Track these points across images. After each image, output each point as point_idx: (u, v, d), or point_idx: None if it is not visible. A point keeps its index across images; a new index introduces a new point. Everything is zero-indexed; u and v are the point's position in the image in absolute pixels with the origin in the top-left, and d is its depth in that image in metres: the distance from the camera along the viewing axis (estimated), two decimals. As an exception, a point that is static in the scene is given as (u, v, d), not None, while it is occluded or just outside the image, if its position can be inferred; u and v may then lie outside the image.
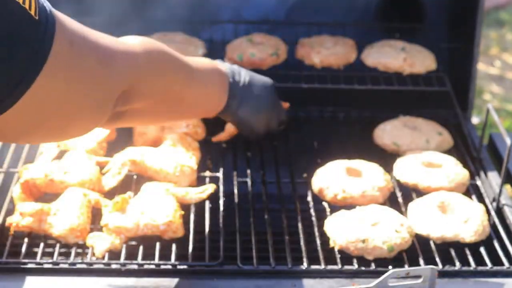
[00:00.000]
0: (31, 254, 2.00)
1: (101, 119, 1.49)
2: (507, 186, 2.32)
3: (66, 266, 1.89)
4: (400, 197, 2.20)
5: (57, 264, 1.89)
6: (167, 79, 1.74)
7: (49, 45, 1.26)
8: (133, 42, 1.61)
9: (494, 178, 2.27)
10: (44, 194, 2.14)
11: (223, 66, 2.12)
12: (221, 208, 2.11)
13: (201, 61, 1.98)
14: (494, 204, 2.18)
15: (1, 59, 1.18)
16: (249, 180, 2.26)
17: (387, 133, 2.47)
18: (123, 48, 1.50)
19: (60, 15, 1.32)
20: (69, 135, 1.50)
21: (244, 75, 2.16)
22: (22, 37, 1.21)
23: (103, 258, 1.94)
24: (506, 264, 1.94)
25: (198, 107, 2.03)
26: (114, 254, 1.95)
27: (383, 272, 1.79)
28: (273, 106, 2.27)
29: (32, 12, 1.22)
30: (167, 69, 1.73)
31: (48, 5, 1.29)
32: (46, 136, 1.46)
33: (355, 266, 1.92)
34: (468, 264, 1.94)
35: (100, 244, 1.96)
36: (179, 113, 1.98)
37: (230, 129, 2.43)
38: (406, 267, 1.89)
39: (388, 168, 2.29)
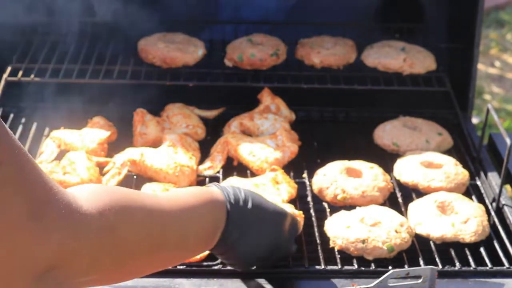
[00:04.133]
0: (31, 254, 1.99)
1: None
2: (507, 186, 2.31)
3: (66, 266, 1.89)
4: (400, 197, 2.20)
5: (57, 264, 1.89)
6: (128, 247, 1.29)
7: None
8: (80, 195, 1.19)
9: (494, 178, 2.27)
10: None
11: (217, 190, 1.63)
12: (221, 208, 2.10)
13: (183, 197, 1.52)
14: (494, 204, 2.18)
15: None
16: (249, 180, 2.25)
17: (387, 133, 2.47)
18: (64, 201, 1.12)
19: None
20: None
21: (246, 196, 1.67)
22: None
23: (103, 258, 1.93)
24: (506, 264, 1.94)
25: (181, 254, 1.53)
26: (114, 254, 1.95)
27: (383, 272, 1.79)
28: (283, 238, 1.79)
29: None
30: (128, 234, 1.29)
31: None
32: None
33: (355, 266, 1.92)
34: (468, 264, 1.94)
35: (100, 244, 1.95)
36: (154, 268, 1.46)
37: None
38: (406, 267, 1.89)
39: (388, 168, 2.29)
